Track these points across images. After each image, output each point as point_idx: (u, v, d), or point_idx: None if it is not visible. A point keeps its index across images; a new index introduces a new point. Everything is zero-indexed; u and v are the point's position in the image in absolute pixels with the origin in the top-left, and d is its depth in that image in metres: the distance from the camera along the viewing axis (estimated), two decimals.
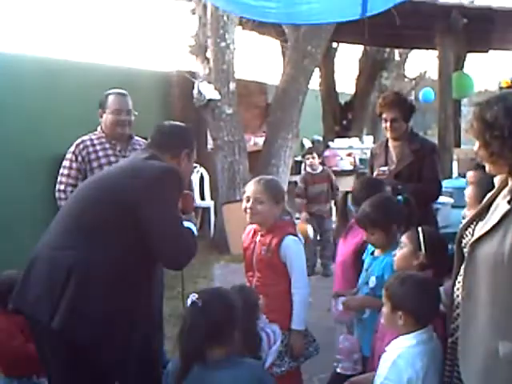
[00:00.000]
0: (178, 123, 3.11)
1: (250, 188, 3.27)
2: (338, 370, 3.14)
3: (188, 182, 3.14)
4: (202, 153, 8.30)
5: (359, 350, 3.11)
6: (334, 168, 9.95)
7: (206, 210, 8.40)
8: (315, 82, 12.85)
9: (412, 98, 19.52)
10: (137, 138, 4.03)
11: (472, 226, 2.28)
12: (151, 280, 2.88)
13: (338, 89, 13.04)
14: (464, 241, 2.30)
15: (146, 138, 6.74)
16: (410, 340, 2.43)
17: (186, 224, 2.84)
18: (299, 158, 13.44)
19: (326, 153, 10.50)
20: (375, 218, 3.17)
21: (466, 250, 2.28)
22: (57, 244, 2.67)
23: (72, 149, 3.80)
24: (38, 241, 2.77)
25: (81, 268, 2.55)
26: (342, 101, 12.80)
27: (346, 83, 14.53)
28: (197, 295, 2.28)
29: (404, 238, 2.96)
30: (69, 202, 2.92)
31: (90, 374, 2.59)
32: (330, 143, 11.21)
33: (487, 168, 2.22)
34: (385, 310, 2.51)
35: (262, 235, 3.26)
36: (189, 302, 2.27)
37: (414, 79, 17.81)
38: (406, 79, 17.74)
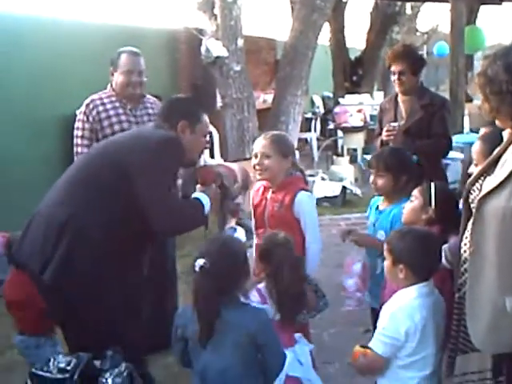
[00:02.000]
0: (184, 96, 3.15)
1: (258, 144, 3.26)
2: (346, 307, 3.27)
3: (199, 153, 3.10)
4: (212, 111, 8.28)
5: (364, 290, 3.19)
6: (344, 124, 9.91)
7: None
8: (325, 37, 12.69)
9: (424, 52, 19.26)
10: (148, 96, 3.99)
11: (480, 181, 2.27)
12: (145, 248, 2.92)
13: (348, 44, 12.85)
14: (471, 196, 2.30)
15: (158, 97, 6.80)
16: (410, 293, 2.46)
17: (198, 195, 2.89)
18: (309, 115, 13.44)
19: (336, 109, 10.42)
20: (389, 161, 3.24)
21: (473, 205, 2.28)
22: (54, 201, 2.75)
23: (82, 109, 3.76)
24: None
25: (74, 224, 2.62)
26: (353, 56, 12.62)
27: (357, 38, 14.28)
28: (203, 259, 2.29)
29: (415, 192, 2.98)
30: (73, 164, 3.01)
31: (82, 330, 2.67)
32: (341, 99, 11.10)
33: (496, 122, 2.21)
34: (386, 263, 2.54)
35: (273, 192, 3.26)
36: (197, 267, 2.28)
37: (426, 33, 17.49)
38: (417, 33, 17.43)
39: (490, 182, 2.14)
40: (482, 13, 11.09)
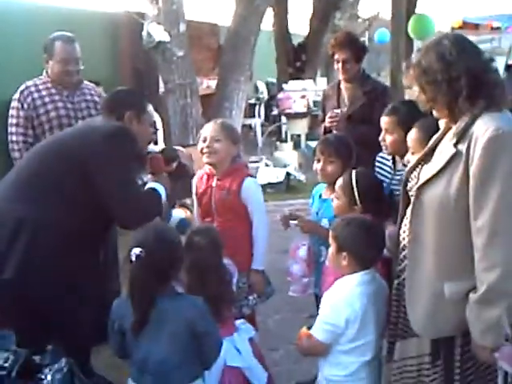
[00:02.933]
0: (126, 87, 3.15)
1: (207, 128, 3.25)
2: (290, 293, 3.27)
3: (147, 143, 3.12)
4: (154, 97, 8.15)
5: (309, 275, 3.20)
6: (288, 110, 9.92)
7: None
8: (269, 22, 12.64)
9: (365, 38, 19.47)
10: (86, 82, 3.89)
11: (417, 170, 2.31)
12: (103, 240, 2.92)
13: (292, 30, 12.84)
14: (409, 184, 2.33)
15: (97, 83, 6.63)
16: (352, 280, 2.49)
17: (152, 185, 2.91)
18: (253, 101, 13.41)
19: (280, 95, 10.42)
20: (340, 148, 3.26)
21: (411, 193, 2.31)
22: (5, 197, 2.69)
23: (16, 96, 3.65)
24: None
25: (32, 221, 2.58)
26: (296, 42, 12.63)
27: (300, 24, 14.29)
28: (139, 248, 2.26)
29: (338, 189, 2.99)
30: (22, 159, 3.00)
31: (41, 324, 2.61)
32: (284, 85, 11.10)
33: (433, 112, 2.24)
34: (331, 250, 2.56)
35: (218, 179, 3.24)
36: (133, 256, 2.25)
37: (368, 20, 17.66)
38: (359, 20, 17.59)
39: (428, 171, 2.18)
40: (422, 1, 11.29)
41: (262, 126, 11.88)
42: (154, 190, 2.90)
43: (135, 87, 8.81)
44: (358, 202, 2.90)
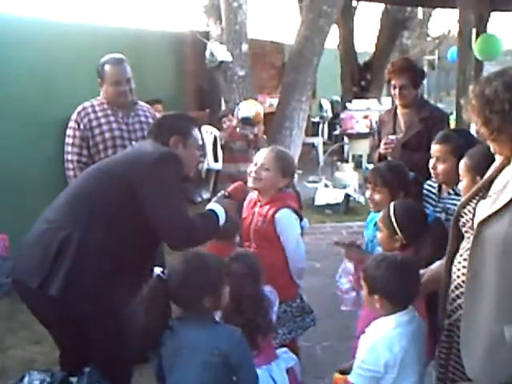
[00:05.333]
0: (175, 112, 3.20)
1: (261, 154, 3.23)
2: (342, 308, 3.24)
3: (194, 167, 3.10)
4: (216, 115, 8.25)
5: (358, 289, 3.08)
6: (350, 131, 9.82)
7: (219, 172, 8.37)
8: (334, 41, 12.62)
9: (435, 57, 19.13)
10: (141, 103, 3.97)
11: (472, 204, 2.21)
12: (148, 263, 2.91)
13: (358, 49, 12.76)
14: (462, 219, 2.24)
15: (158, 101, 6.74)
16: (389, 322, 2.37)
17: (212, 206, 2.92)
18: (317, 119, 13.37)
19: (342, 115, 10.34)
20: (387, 177, 3.20)
21: (464, 229, 2.22)
22: (54, 217, 2.74)
23: (74, 116, 3.75)
24: (48, 204, 2.84)
25: (76, 241, 2.60)
26: (362, 61, 12.54)
27: (366, 42, 14.19)
28: (161, 269, 2.28)
29: (379, 221, 2.92)
30: (75, 179, 3.06)
31: (82, 345, 2.64)
32: (348, 104, 11.02)
33: (491, 148, 2.14)
34: (364, 292, 2.47)
35: (260, 206, 3.22)
36: (154, 275, 2.28)
37: (438, 38, 17.35)
38: (428, 38, 17.29)
39: (487, 206, 2.08)
40: (493, 20, 10.93)
41: (325, 145, 11.81)
42: (212, 211, 2.90)
43: (199, 105, 8.99)
44: (399, 233, 2.81)
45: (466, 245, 2.21)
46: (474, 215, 2.17)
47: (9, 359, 4.00)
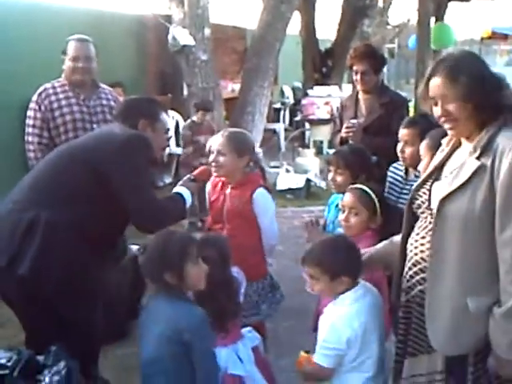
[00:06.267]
0: (142, 96, 3.25)
1: (215, 140, 3.25)
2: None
3: (162, 150, 3.13)
4: (178, 99, 8.22)
5: None
6: (311, 117, 9.90)
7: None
8: (296, 28, 12.65)
9: (395, 45, 19.36)
10: (103, 86, 3.94)
11: (426, 187, 2.30)
12: (117, 239, 2.96)
13: (319, 35, 12.82)
14: (417, 201, 2.32)
15: (119, 84, 6.67)
16: (345, 300, 2.44)
17: (179, 189, 2.96)
18: (278, 106, 13.42)
19: (304, 101, 10.41)
20: (350, 159, 3.27)
21: (420, 210, 2.30)
22: (20, 198, 2.74)
23: (34, 98, 3.72)
24: (12, 187, 2.84)
25: (44, 220, 2.61)
26: (323, 48, 12.61)
27: (328, 29, 14.26)
28: (137, 246, 2.39)
29: (356, 204, 2.93)
30: (40, 162, 3.03)
31: (51, 324, 2.67)
32: (309, 91, 11.08)
33: (450, 132, 2.22)
34: (324, 283, 2.45)
35: (232, 188, 3.26)
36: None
37: (398, 26, 17.56)
38: (388, 26, 17.49)
39: (446, 185, 2.16)
40: (451, 9, 11.16)
41: (286, 131, 11.87)
42: (179, 194, 2.94)
43: (160, 89, 8.93)
44: (379, 213, 2.89)
45: (422, 224, 2.28)
46: (429, 196, 2.25)
47: None
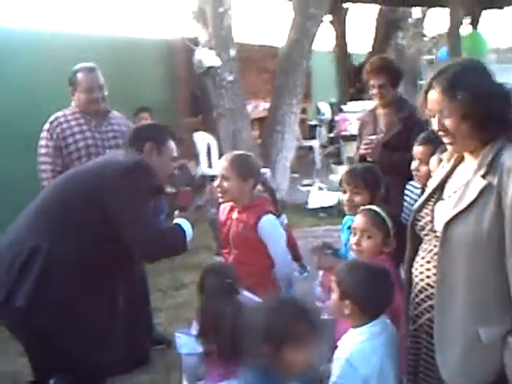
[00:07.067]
0: (153, 122, 3.18)
1: (219, 164, 3.18)
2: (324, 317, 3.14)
3: (169, 177, 3.08)
4: (210, 120, 8.21)
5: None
6: (344, 133, 9.76)
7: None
8: (330, 44, 12.59)
9: (433, 57, 19.02)
10: (114, 112, 3.94)
11: (428, 207, 2.16)
12: (121, 272, 2.90)
13: (353, 50, 12.72)
14: (420, 223, 2.18)
15: (145, 109, 6.71)
16: (362, 335, 2.28)
17: (179, 221, 2.89)
18: (313, 122, 13.31)
19: (337, 117, 10.28)
20: (367, 177, 3.15)
21: (424, 232, 2.16)
22: (22, 228, 2.72)
23: (46, 126, 3.72)
24: None
25: (46, 252, 2.58)
26: (357, 62, 12.48)
27: (361, 44, 14.13)
28: None
29: (369, 226, 2.77)
30: (45, 189, 3.02)
31: (49, 356, 2.62)
32: (343, 106, 10.96)
33: (450, 147, 2.09)
34: (333, 297, 2.35)
35: (238, 212, 3.17)
36: None
37: (434, 38, 17.25)
38: (425, 38, 17.20)
39: (450, 207, 2.02)
40: (484, 18, 10.90)
41: (324, 147, 11.75)
42: (178, 225, 2.87)
43: (191, 112, 8.97)
44: (392, 236, 2.73)
45: (427, 247, 2.15)
46: (432, 218, 2.11)
47: None
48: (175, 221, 2.91)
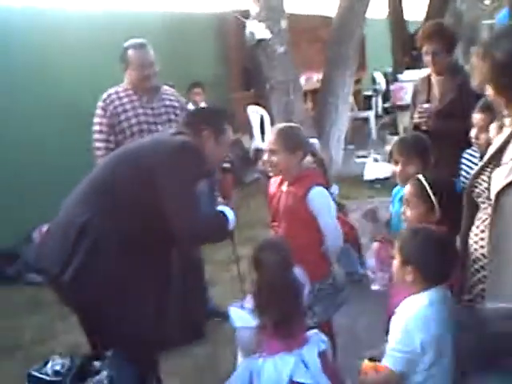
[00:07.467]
0: (212, 106, 3.20)
1: (268, 138, 3.16)
2: (372, 287, 3.16)
3: (218, 163, 3.10)
4: (261, 94, 8.18)
5: (384, 269, 3.00)
6: (399, 102, 9.53)
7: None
8: (385, 11, 12.28)
9: (493, 21, 18.32)
10: (165, 87, 3.96)
11: (486, 173, 2.09)
12: (170, 248, 2.91)
13: (409, 17, 12.37)
14: (476, 190, 2.12)
15: (198, 84, 6.74)
16: (422, 300, 2.22)
17: (223, 208, 2.89)
18: (369, 93, 13.07)
19: (392, 87, 10.06)
20: (420, 147, 3.07)
21: (480, 199, 2.10)
22: (72, 206, 2.77)
23: (100, 104, 3.77)
24: None
25: (93, 226, 2.62)
26: (413, 30, 12.14)
27: (416, 10, 13.69)
28: None
29: (412, 198, 2.71)
30: (96, 166, 3.05)
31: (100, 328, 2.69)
32: (399, 75, 10.70)
33: (507, 115, 2.02)
34: (395, 262, 2.32)
35: (288, 185, 3.16)
36: None
37: (494, 1, 16.60)
38: (485, 1, 16.58)
39: (503, 174, 1.96)
40: None
41: (379, 118, 11.55)
42: (221, 212, 2.87)
43: (243, 85, 8.95)
44: (437, 207, 2.64)
45: (482, 215, 2.09)
46: (489, 184, 2.05)
47: (58, 344, 4.12)
48: (219, 208, 2.91)
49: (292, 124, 3.30)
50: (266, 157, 3.12)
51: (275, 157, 3.07)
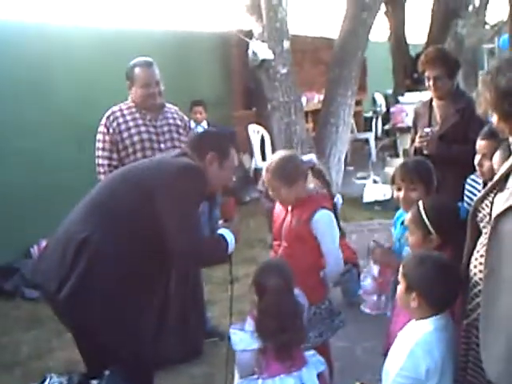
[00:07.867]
0: (216, 130, 3.20)
1: (264, 177, 3.13)
2: (361, 308, 3.24)
3: (222, 189, 3.09)
4: (263, 113, 8.22)
5: (380, 293, 3.06)
6: (400, 124, 9.59)
7: None
8: (386, 34, 12.37)
9: (495, 45, 18.46)
10: (168, 105, 3.98)
11: (489, 198, 2.10)
12: (168, 267, 2.90)
13: (410, 40, 12.46)
14: (480, 214, 2.13)
15: (199, 103, 6.77)
16: (426, 326, 2.23)
17: (222, 231, 2.86)
18: (369, 114, 13.13)
19: (392, 109, 10.12)
20: (423, 172, 3.06)
21: (482, 224, 2.11)
22: (72, 222, 2.76)
23: (103, 121, 3.79)
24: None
25: (91, 244, 2.61)
26: (414, 53, 12.23)
27: (418, 34, 13.80)
28: None
29: (410, 224, 2.72)
30: (99, 183, 3.03)
31: (96, 348, 2.67)
32: (400, 98, 10.77)
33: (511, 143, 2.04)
34: (400, 288, 2.32)
35: (294, 206, 3.16)
36: None
37: (495, 25, 16.70)
38: (486, 26, 16.68)
39: (504, 199, 1.97)
40: None
41: (379, 140, 11.59)
42: (221, 236, 2.84)
43: (245, 105, 9.00)
44: (433, 233, 2.64)
45: (483, 240, 2.10)
46: (491, 209, 2.06)
47: (54, 361, 4.09)
48: (219, 231, 2.89)
49: (285, 154, 3.19)
50: (264, 188, 3.13)
51: (275, 192, 3.09)
